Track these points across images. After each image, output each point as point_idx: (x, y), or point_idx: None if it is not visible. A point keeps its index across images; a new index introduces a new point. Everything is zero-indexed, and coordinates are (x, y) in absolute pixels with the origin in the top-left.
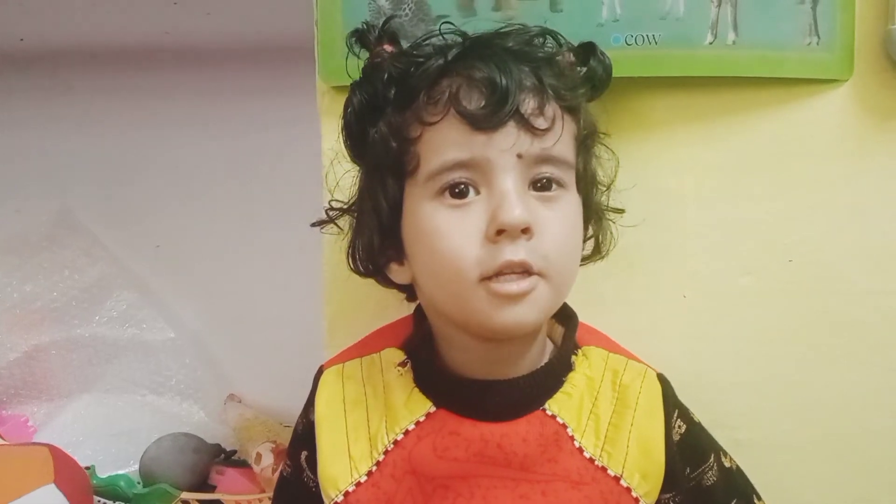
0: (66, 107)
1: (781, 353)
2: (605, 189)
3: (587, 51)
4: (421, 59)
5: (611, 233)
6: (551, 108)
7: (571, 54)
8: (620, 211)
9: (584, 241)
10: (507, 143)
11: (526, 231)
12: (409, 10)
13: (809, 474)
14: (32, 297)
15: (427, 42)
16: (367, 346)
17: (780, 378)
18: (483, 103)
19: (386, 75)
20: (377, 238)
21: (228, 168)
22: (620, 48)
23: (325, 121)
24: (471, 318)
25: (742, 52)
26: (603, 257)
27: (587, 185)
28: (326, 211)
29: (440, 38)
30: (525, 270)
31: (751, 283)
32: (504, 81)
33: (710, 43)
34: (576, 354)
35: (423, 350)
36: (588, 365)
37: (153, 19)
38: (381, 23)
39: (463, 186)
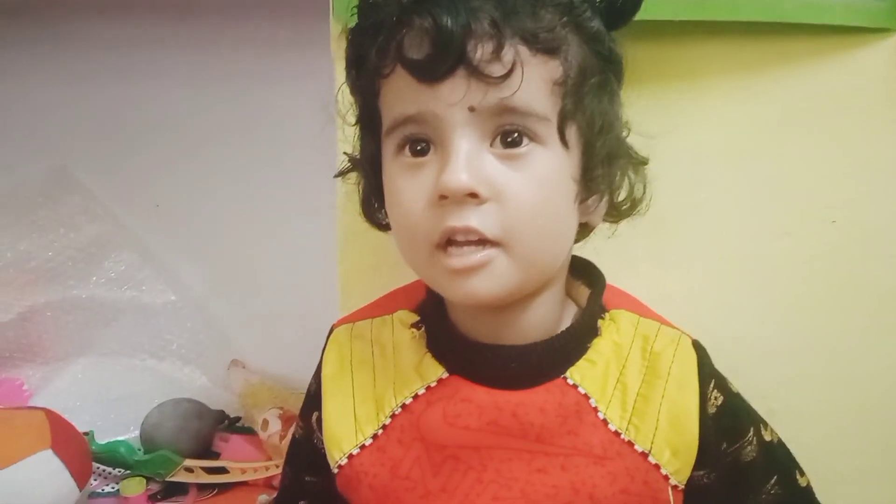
0: (61, 58)
1: (821, 320)
2: (623, 135)
3: None
4: (383, 5)
5: (643, 184)
6: (511, 52)
7: None
8: (644, 161)
9: (595, 195)
10: (455, 96)
11: (474, 196)
12: None
13: (846, 445)
14: (27, 256)
15: None
16: (379, 307)
17: (819, 346)
18: (427, 52)
19: (360, 21)
20: (370, 188)
21: (233, 124)
22: None
23: (339, 68)
24: (436, 288)
25: None
26: (640, 212)
27: (588, 132)
28: (348, 160)
29: None
30: (479, 239)
31: (790, 245)
32: (449, 25)
33: None
34: (602, 318)
35: (436, 314)
36: (616, 330)
37: None
38: None
39: (424, 144)
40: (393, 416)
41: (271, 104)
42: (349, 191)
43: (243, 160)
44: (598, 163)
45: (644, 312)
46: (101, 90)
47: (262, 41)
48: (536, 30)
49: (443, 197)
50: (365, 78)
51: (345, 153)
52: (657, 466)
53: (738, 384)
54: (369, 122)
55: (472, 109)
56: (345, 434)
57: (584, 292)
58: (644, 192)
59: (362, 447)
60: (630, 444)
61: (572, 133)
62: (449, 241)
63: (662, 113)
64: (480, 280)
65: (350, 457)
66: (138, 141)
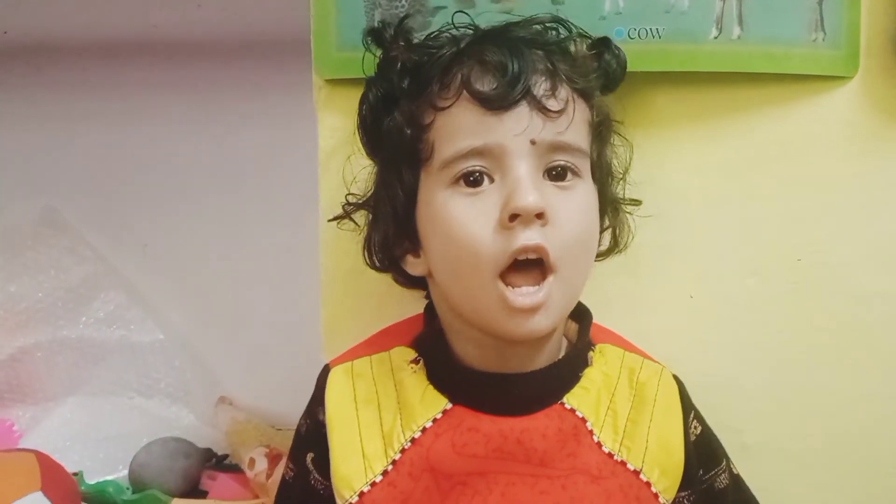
0: (52, 102)
1: (789, 355)
2: (620, 179)
3: (602, 45)
4: (434, 49)
5: (628, 225)
6: (564, 91)
7: (584, 44)
8: (637, 202)
9: (601, 232)
10: (519, 126)
11: (540, 216)
12: (406, 1)
13: (816, 478)
14: (17, 297)
15: (441, 34)
16: (374, 345)
17: (787, 380)
18: (495, 85)
19: (400, 65)
20: (393, 229)
21: (219, 166)
22: (623, 42)
23: (322, 116)
24: (483, 320)
25: (747, 47)
26: (621, 251)
27: (602, 174)
28: (343, 206)
29: (454, 29)
30: (537, 265)
31: (758, 284)
32: (515, 63)
33: (715, 38)
34: (592, 351)
35: (435, 347)
36: (604, 362)
37: (142, 12)
38: (397, 21)
39: (478, 174)
40: (403, 450)
41: (257, 147)
42: (332, 233)
43: (229, 201)
44: (609, 200)
45: (628, 347)
46: (89, 133)
47: (248, 86)
48: (577, 78)
49: (513, 217)
50: (407, 118)
51: (347, 195)
52: (648, 484)
53: (711, 419)
54: (409, 155)
55: (532, 143)
56: (354, 472)
57: (572, 326)
58: (626, 234)
59: (373, 484)
60: (623, 463)
61: (596, 172)
62: (508, 272)
63: (636, 157)
64: (539, 318)
65: (361, 494)
66: (126, 183)
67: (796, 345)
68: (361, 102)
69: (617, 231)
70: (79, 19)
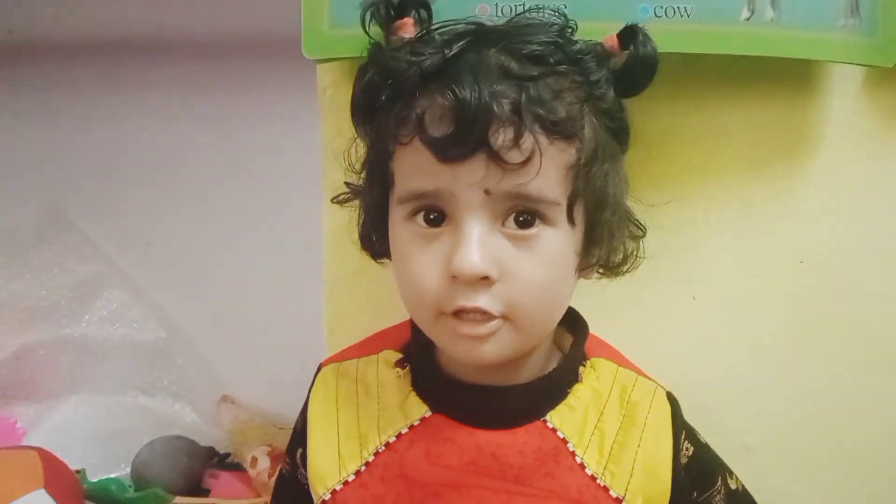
0: (56, 101)
1: (792, 357)
2: (626, 208)
3: (628, 36)
4: (405, 65)
5: (635, 251)
6: (530, 140)
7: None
8: (642, 234)
9: (590, 268)
10: (473, 178)
11: (486, 279)
12: None
13: (819, 480)
14: (20, 295)
15: (436, 32)
16: (366, 347)
17: (790, 382)
18: (450, 130)
19: (374, 73)
20: (372, 232)
21: (223, 165)
22: (649, 20)
23: (326, 116)
24: (437, 341)
25: (780, 31)
26: (624, 272)
27: (593, 210)
28: (345, 188)
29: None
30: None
31: (761, 286)
32: (473, 109)
33: (747, 19)
34: (584, 365)
35: (423, 354)
36: (596, 377)
37: (147, 12)
38: None
39: (436, 214)
40: (376, 453)
41: (260, 145)
42: (335, 232)
43: (232, 200)
44: (601, 237)
45: (622, 363)
46: (93, 132)
47: (252, 84)
48: (557, 119)
49: (455, 277)
50: (380, 136)
51: (345, 183)
52: None
53: (713, 421)
54: (379, 173)
55: (487, 193)
56: (329, 470)
57: (567, 338)
58: (637, 255)
59: (345, 483)
60: (606, 489)
61: (579, 211)
62: (456, 313)
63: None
64: (487, 346)
65: (333, 492)
66: (129, 182)
67: (799, 346)
68: (353, 87)
69: (612, 256)
70: (83, 19)
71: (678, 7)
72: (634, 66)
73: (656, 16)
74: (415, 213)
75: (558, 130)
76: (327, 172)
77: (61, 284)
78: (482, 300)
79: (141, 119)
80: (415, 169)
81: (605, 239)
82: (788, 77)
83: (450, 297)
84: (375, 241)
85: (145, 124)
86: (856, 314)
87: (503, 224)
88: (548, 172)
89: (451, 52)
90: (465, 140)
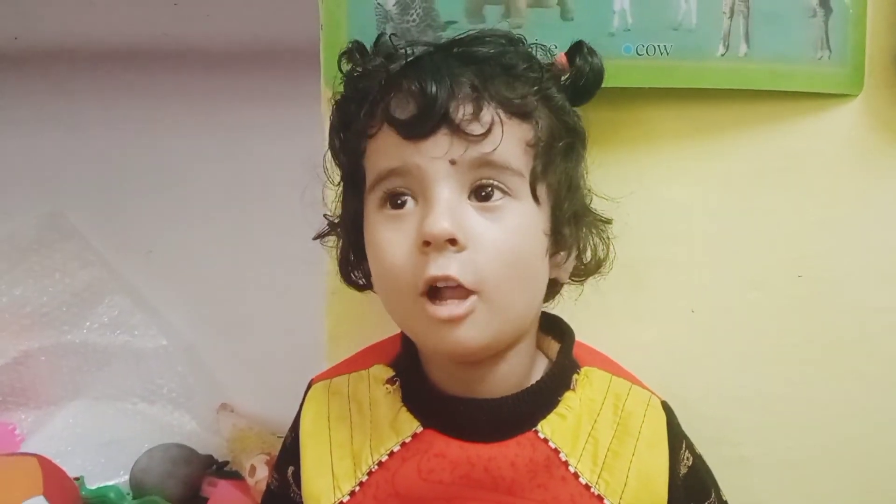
0: (60, 108)
1: (789, 369)
2: (586, 198)
3: (575, 50)
4: (373, 71)
5: (604, 245)
6: (489, 114)
7: (549, 54)
8: (608, 221)
9: (560, 252)
10: (438, 151)
11: (453, 243)
12: (417, 15)
13: (815, 491)
14: (22, 301)
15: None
16: (356, 363)
17: (787, 394)
18: (414, 112)
19: (345, 90)
20: (351, 253)
21: (224, 174)
22: (631, 58)
23: (328, 128)
24: (416, 336)
25: (753, 64)
26: (602, 273)
27: (557, 191)
28: (327, 224)
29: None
30: (458, 286)
31: (759, 298)
32: (433, 88)
33: (722, 55)
34: (577, 374)
35: (411, 368)
36: (589, 386)
37: (151, 20)
38: (374, 40)
39: (404, 198)
40: (370, 473)
41: (262, 155)
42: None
43: (234, 208)
44: (567, 219)
45: (616, 371)
46: (96, 139)
47: (255, 94)
48: (511, 97)
49: (425, 244)
50: (352, 140)
51: (324, 216)
52: None
53: (709, 432)
54: (353, 182)
55: (452, 162)
56: (323, 490)
57: (553, 346)
58: (608, 253)
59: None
60: (600, 498)
61: (543, 191)
62: (431, 292)
63: (641, 171)
64: (465, 329)
65: None
66: (131, 189)
67: (797, 359)
68: (329, 125)
69: (581, 248)
70: (88, 26)
71: (658, 45)
72: (581, 76)
73: (638, 54)
74: (384, 201)
75: (514, 106)
76: (330, 183)
77: (62, 291)
78: (453, 268)
79: (143, 127)
80: (383, 153)
81: (571, 221)
82: (787, 96)
83: (421, 267)
84: (353, 260)
85: (148, 132)
86: (854, 328)
87: (469, 197)
88: (509, 144)
89: (415, 55)
90: (427, 119)
